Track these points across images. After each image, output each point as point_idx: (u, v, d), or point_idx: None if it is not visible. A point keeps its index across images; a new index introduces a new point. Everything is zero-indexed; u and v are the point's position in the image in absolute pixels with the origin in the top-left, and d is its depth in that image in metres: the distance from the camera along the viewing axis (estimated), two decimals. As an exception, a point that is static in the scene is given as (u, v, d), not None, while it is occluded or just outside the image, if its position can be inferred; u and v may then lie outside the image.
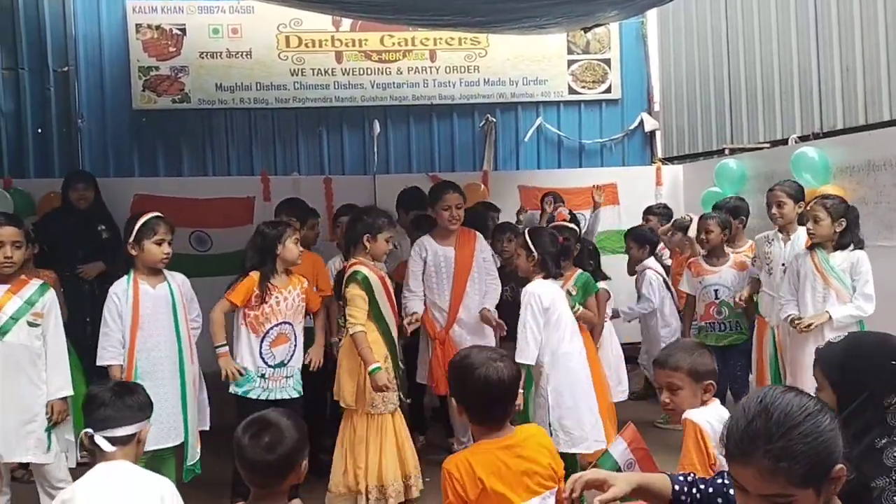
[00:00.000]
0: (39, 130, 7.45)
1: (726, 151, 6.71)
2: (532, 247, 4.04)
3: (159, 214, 3.94)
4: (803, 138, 5.86)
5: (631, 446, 3.18)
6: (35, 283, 3.73)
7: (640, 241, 5.64)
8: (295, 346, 4.17)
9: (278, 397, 4.07)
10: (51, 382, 3.68)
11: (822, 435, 1.40)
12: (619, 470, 3.28)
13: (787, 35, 6.25)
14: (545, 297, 3.96)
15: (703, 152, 7.59)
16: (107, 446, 2.35)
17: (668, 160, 7.93)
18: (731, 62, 7.08)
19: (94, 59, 7.55)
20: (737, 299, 4.93)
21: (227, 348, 4.05)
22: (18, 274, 3.68)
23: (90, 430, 2.39)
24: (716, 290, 5.06)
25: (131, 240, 3.82)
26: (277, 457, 2.14)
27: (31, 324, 3.64)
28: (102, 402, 2.42)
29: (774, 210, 4.60)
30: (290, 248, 4.12)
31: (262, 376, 4.06)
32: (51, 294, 3.74)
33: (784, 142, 6.09)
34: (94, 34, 7.55)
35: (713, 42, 7.33)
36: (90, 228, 5.38)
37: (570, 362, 4.01)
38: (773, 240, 4.70)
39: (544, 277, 4.05)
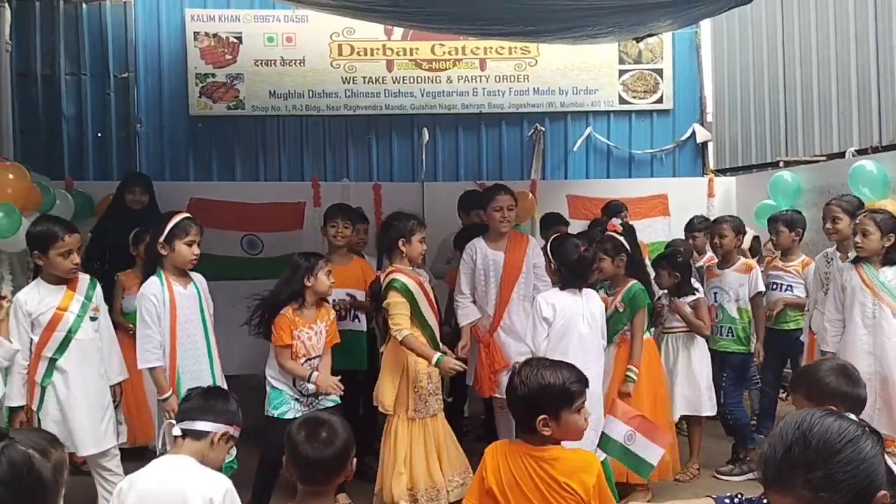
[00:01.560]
0: (99, 134, 7.69)
1: (781, 164, 6.59)
2: (551, 256, 4.03)
3: (190, 216, 3.95)
4: (861, 151, 5.72)
5: (624, 419, 3.14)
6: (85, 279, 3.84)
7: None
8: None
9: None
10: (109, 370, 3.86)
11: (863, 462, 1.35)
12: (626, 450, 3.25)
13: (845, 44, 6.11)
14: (546, 307, 3.95)
15: (756, 164, 7.46)
16: (176, 431, 2.44)
17: (721, 172, 7.81)
18: (786, 72, 6.96)
19: (153, 66, 7.77)
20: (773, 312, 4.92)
21: (316, 373, 4.07)
22: None
23: (172, 422, 2.50)
24: (715, 293, 4.96)
25: (162, 239, 3.79)
26: (333, 452, 2.19)
27: (92, 318, 3.79)
28: (191, 396, 2.55)
29: (829, 225, 4.51)
30: (322, 280, 4.10)
31: (297, 400, 4.13)
32: (99, 287, 3.88)
33: (841, 155, 5.95)
34: (154, 42, 7.76)
35: (768, 52, 7.21)
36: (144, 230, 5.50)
37: None
38: (832, 258, 4.59)
39: (561, 288, 4.03)
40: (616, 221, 4.67)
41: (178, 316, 3.79)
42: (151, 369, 3.75)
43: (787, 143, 6.95)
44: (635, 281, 4.47)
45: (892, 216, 4.10)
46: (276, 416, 4.06)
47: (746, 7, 5.79)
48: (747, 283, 4.90)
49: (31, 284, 3.79)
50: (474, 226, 5.22)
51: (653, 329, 4.76)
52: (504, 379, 4.43)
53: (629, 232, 4.72)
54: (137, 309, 3.80)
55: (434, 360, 4.03)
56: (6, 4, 6.91)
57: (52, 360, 3.68)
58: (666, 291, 4.90)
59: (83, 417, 3.72)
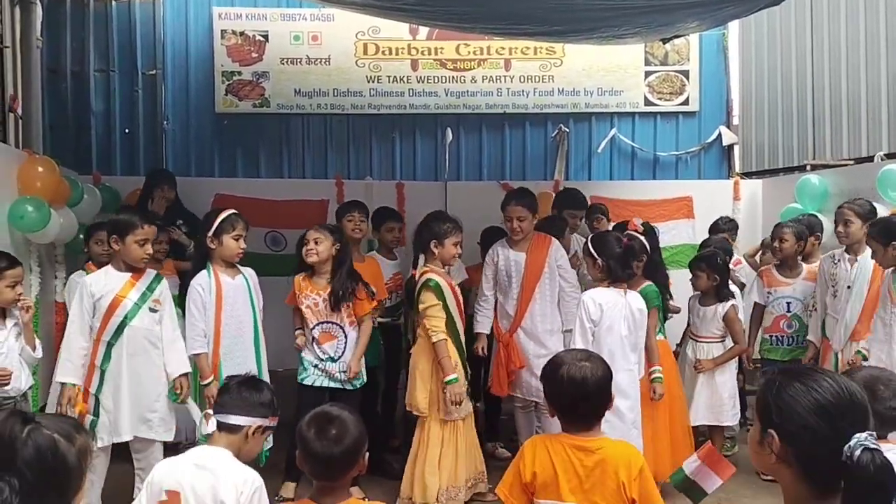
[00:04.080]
0: (127, 130, 7.77)
1: (808, 167, 6.50)
2: (595, 253, 4.00)
3: (236, 211, 4.20)
4: (890, 156, 5.63)
5: (704, 460, 3.12)
6: (151, 273, 4.02)
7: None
8: (345, 342, 4.31)
9: (333, 386, 4.25)
10: (170, 362, 3.95)
11: None
12: (688, 481, 3.23)
13: (875, 46, 6.03)
14: (594, 307, 3.91)
15: (783, 168, 7.37)
16: (212, 427, 2.48)
17: (747, 175, 7.74)
18: (815, 75, 6.88)
19: (180, 64, 7.84)
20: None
21: (300, 330, 4.39)
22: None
23: (210, 411, 2.55)
24: (789, 303, 4.91)
25: (211, 233, 4.04)
26: (343, 449, 2.20)
27: (151, 310, 3.92)
28: (227, 389, 2.58)
29: (840, 228, 4.48)
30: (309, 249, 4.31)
31: (316, 365, 4.28)
32: (165, 282, 4.05)
33: (869, 159, 5.87)
34: (182, 39, 7.83)
35: (797, 54, 7.13)
36: (168, 224, 5.56)
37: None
38: (839, 260, 4.54)
39: (610, 284, 4.00)
40: (637, 221, 4.64)
41: (224, 306, 4.03)
42: (196, 355, 4.01)
43: (815, 146, 6.86)
44: (650, 282, 4.47)
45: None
46: (299, 381, 4.29)
47: (775, 8, 5.73)
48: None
49: (101, 270, 4.02)
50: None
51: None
52: (531, 380, 4.44)
53: (650, 233, 4.70)
54: (186, 299, 4.07)
55: (448, 378, 4.05)
56: (38, 2, 7.00)
57: (109, 345, 3.84)
58: (699, 294, 4.86)
59: (128, 402, 3.84)
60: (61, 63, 7.64)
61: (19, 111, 6.85)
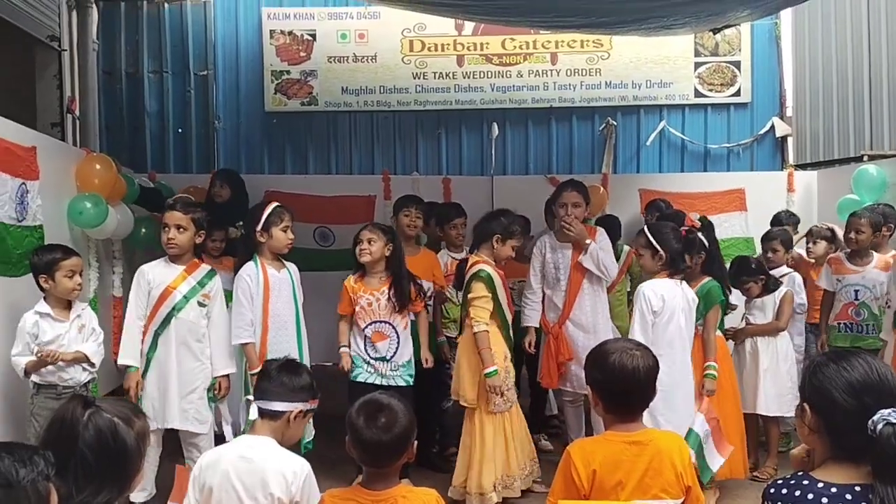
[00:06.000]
0: (180, 130, 7.96)
1: (865, 158, 6.32)
2: (657, 244, 3.92)
3: (281, 204, 4.24)
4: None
5: (707, 416, 3.09)
6: (205, 267, 4.10)
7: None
8: (398, 342, 4.29)
9: (386, 384, 4.22)
10: (216, 361, 4.03)
11: None
12: (701, 448, 3.20)
13: (937, 33, 5.83)
14: (655, 299, 3.84)
15: (839, 159, 7.17)
16: (254, 414, 2.50)
17: (801, 167, 7.55)
18: (872, 63, 6.67)
19: (230, 64, 7.99)
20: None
21: (346, 348, 4.34)
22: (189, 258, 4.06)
23: (251, 398, 2.58)
24: (856, 291, 4.79)
25: (259, 227, 4.09)
26: (393, 437, 2.21)
27: (200, 304, 4.01)
28: (267, 375, 2.59)
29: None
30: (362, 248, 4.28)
31: (367, 363, 4.28)
32: (218, 279, 4.11)
33: (931, 147, 5.68)
34: (232, 40, 7.98)
35: (853, 42, 6.93)
36: (223, 221, 5.66)
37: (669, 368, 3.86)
38: None
39: (670, 275, 3.93)
40: (694, 216, 4.54)
41: (271, 297, 4.08)
42: (243, 345, 4.06)
43: (873, 136, 6.66)
44: (710, 278, 4.36)
45: None
46: (351, 378, 4.28)
47: (830, -6, 5.59)
48: (887, 280, 4.70)
49: (159, 260, 4.10)
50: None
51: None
52: (581, 372, 4.40)
53: (708, 227, 4.61)
54: (234, 289, 4.12)
55: (487, 370, 4.04)
56: (93, 6, 7.20)
57: (157, 334, 3.94)
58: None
59: (170, 392, 3.93)
60: (116, 65, 7.86)
61: (77, 112, 7.06)
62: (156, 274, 3.98)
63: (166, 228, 3.97)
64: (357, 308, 4.28)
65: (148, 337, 3.95)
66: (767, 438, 4.81)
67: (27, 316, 3.71)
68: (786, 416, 4.71)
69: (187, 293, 3.97)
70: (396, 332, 4.28)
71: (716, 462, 3.74)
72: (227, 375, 4.08)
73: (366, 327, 4.26)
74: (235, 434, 4.28)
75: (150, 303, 3.94)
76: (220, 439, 4.03)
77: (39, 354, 3.62)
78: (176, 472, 2.64)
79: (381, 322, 4.26)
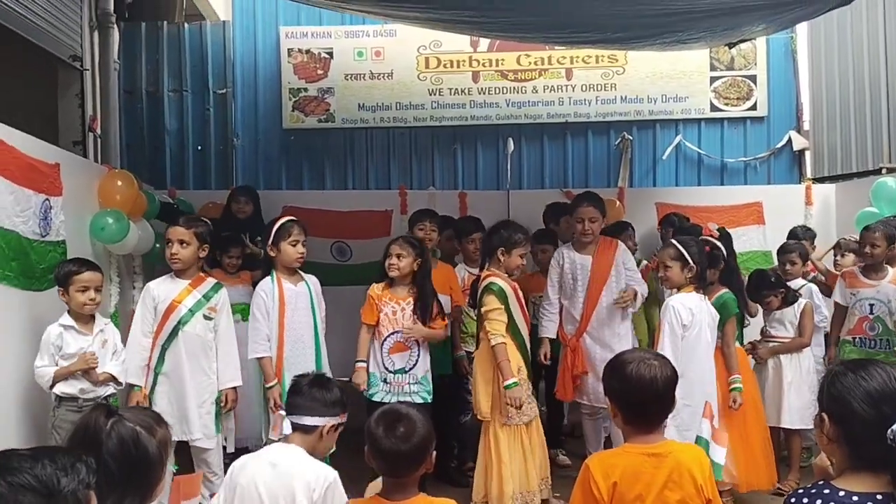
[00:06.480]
0: (199, 147, 8.05)
1: (883, 171, 6.29)
2: (688, 257, 3.92)
3: (292, 218, 4.26)
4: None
5: (710, 421, 3.10)
6: (211, 281, 4.12)
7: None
8: (418, 354, 4.28)
9: (402, 400, 4.15)
10: (223, 373, 4.05)
11: None
12: (708, 447, 3.19)
13: (955, 45, 5.80)
14: (685, 312, 3.83)
15: (857, 172, 7.13)
16: (287, 429, 2.54)
17: (819, 180, 7.51)
18: (889, 75, 6.64)
19: (249, 82, 8.09)
20: None
21: (363, 363, 4.29)
22: (194, 272, 4.08)
23: (283, 412, 2.61)
24: (871, 305, 4.73)
25: (270, 243, 4.12)
26: (411, 446, 2.22)
27: (206, 317, 4.03)
28: (298, 391, 2.62)
29: None
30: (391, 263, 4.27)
31: (385, 381, 4.25)
32: (224, 292, 4.13)
33: (951, 160, 5.64)
34: (251, 59, 8.08)
35: (870, 54, 6.90)
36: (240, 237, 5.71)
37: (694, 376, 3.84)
38: None
39: (696, 290, 3.93)
40: (713, 227, 4.54)
41: (287, 311, 4.08)
42: (259, 359, 4.05)
43: (891, 148, 6.61)
44: (726, 289, 4.35)
45: None
46: (366, 396, 4.26)
47: (846, 9, 5.58)
48: None
49: (164, 276, 4.14)
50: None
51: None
52: (598, 385, 4.39)
53: (726, 238, 4.60)
54: (251, 304, 4.14)
55: (507, 382, 4.02)
56: (115, 26, 7.32)
57: (164, 349, 3.96)
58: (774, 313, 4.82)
59: (188, 403, 3.95)
60: (137, 84, 7.97)
61: (98, 131, 7.16)
62: (161, 290, 4.01)
63: (169, 244, 4.01)
64: (381, 315, 4.28)
65: (155, 352, 3.97)
66: (789, 452, 4.77)
67: (51, 328, 3.77)
68: (808, 429, 4.67)
69: (192, 307, 3.99)
70: (418, 345, 4.29)
71: (719, 454, 3.70)
72: (235, 388, 4.08)
73: (387, 337, 4.26)
74: (240, 446, 4.31)
75: (156, 318, 3.97)
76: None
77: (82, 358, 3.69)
78: (172, 483, 2.64)
79: (403, 333, 4.27)
